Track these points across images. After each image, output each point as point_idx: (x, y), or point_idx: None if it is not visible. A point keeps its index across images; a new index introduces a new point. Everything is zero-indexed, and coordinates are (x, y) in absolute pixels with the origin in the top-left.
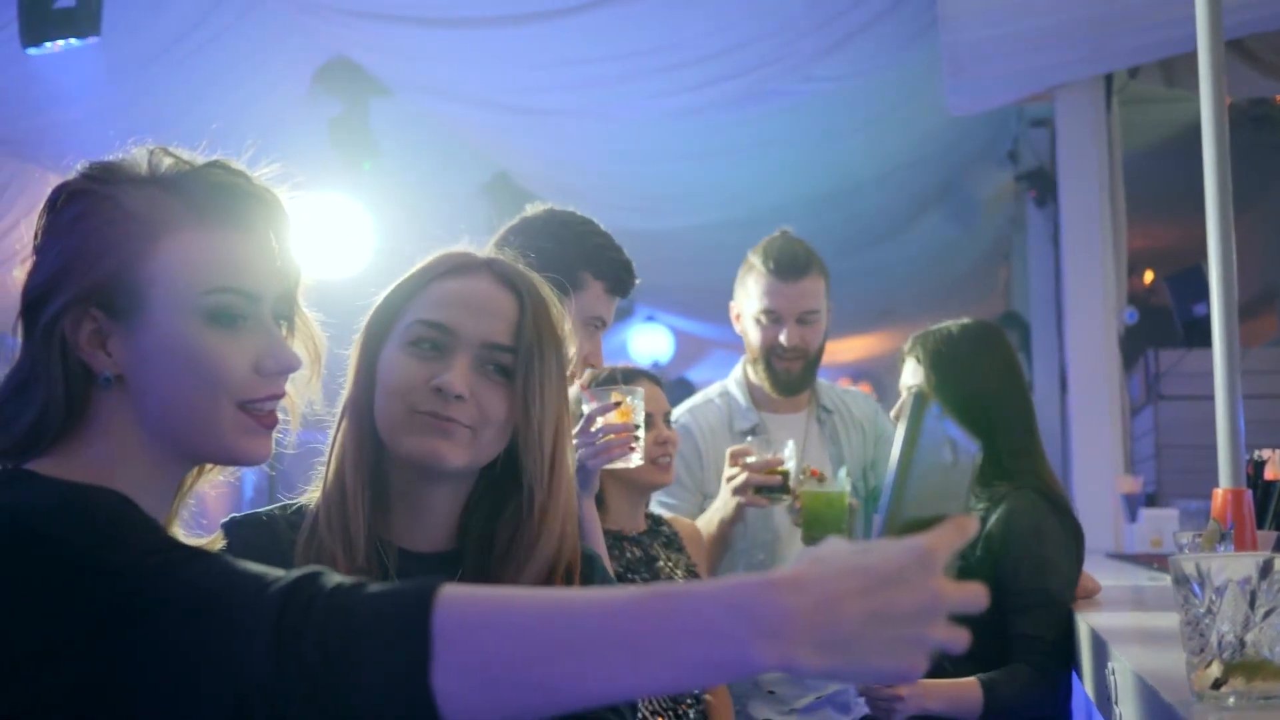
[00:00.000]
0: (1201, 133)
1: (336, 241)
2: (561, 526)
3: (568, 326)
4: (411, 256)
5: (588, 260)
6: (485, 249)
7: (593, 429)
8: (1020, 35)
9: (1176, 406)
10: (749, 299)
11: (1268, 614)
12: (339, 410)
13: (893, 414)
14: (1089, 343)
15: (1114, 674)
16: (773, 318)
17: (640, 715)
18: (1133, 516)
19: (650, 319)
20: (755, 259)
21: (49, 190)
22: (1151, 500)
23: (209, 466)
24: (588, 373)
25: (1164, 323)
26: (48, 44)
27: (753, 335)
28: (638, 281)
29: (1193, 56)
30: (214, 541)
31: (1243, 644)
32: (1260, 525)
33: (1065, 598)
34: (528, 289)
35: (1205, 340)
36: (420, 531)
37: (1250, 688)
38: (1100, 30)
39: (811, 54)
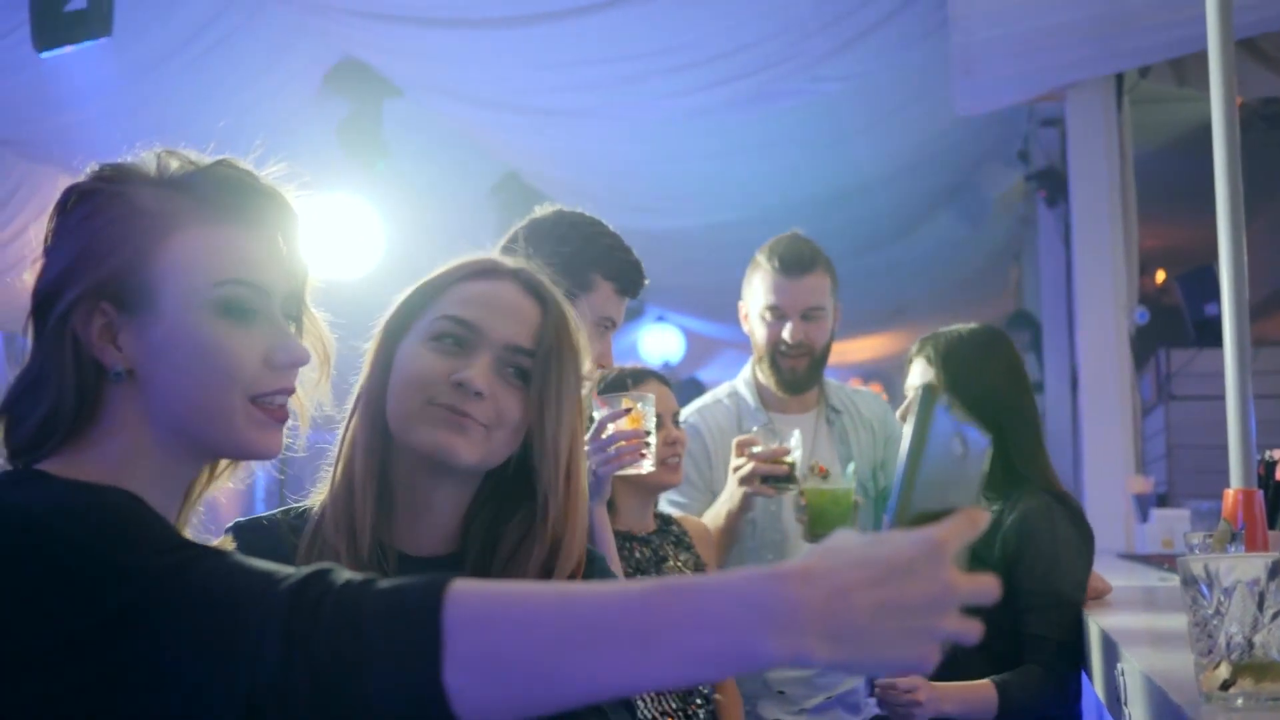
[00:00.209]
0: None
1: (346, 242)
2: (573, 536)
3: (584, 339)
4: (421, 257)
5: (598, 261)
6: (494, 251)
7: (604, 435)
8: (1030, 35)
9: (1188, 406)
10: (755, 296)
11: (1276, 615)
12: (349, 406)
13: (899, 413)
14: (1100, 342)
15: (1123, 675)
16: (777, 314)
17: (649, 716)
18: (1144, 517)
19: (661, 319)
20: (761, 257)
21: (59, 192)
22: (1163, 500)
23: (219, 471)
24: (597, 372)
25: (1175, 322)
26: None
27: (758, 333)
28: (646, 282)
29: (1203, 56)
30: (224, 543)
31: (1251, 645)
32: (1271, 526)
33: (1076, 599)
34: (551, 299)
35: (1217, 340)
36: (422, 533)
37: (1259, 689)
38: (1110, 29)
39: (821, 54)
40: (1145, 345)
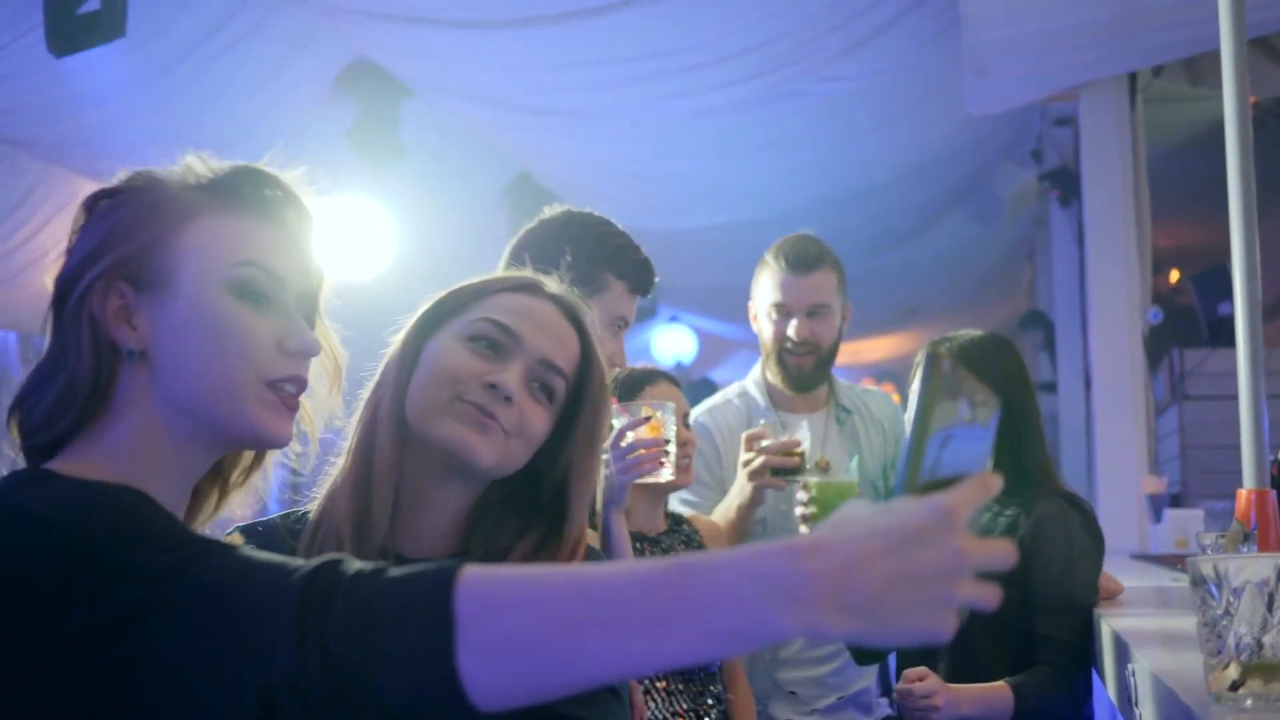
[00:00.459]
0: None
1: (359, 243)
2: (577, 556)
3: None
4: (434, 258)
5: (609, 261)
6: (504, 253)
7: (623, 444)
8: (1042, 34)
9: (1201, 406)
10: (762, 295)
11: None
12: (364, 398)
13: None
14: (1113, 342)
15: (1134, 675)
16: (783, 311)
17: (661, 717)
18: (1157, 517)
19: (673, 319)
20: (769, 256)
21: (75, 192)
22: (1176, 501)
23: (232, 486)
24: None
25: (1189, 322)
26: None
27: (765, 331)
28: (656, 279)
29: (1217, 55)
30: (234, 539)
31: (1260, 646)
32: None
33: (1088, 602)
34: (589, 331)
35: (1230, 340)
36: (422, 534)
37: (1268, 690)
38: (1123, 29)
39: (832, 54)
40: (1159, 345)
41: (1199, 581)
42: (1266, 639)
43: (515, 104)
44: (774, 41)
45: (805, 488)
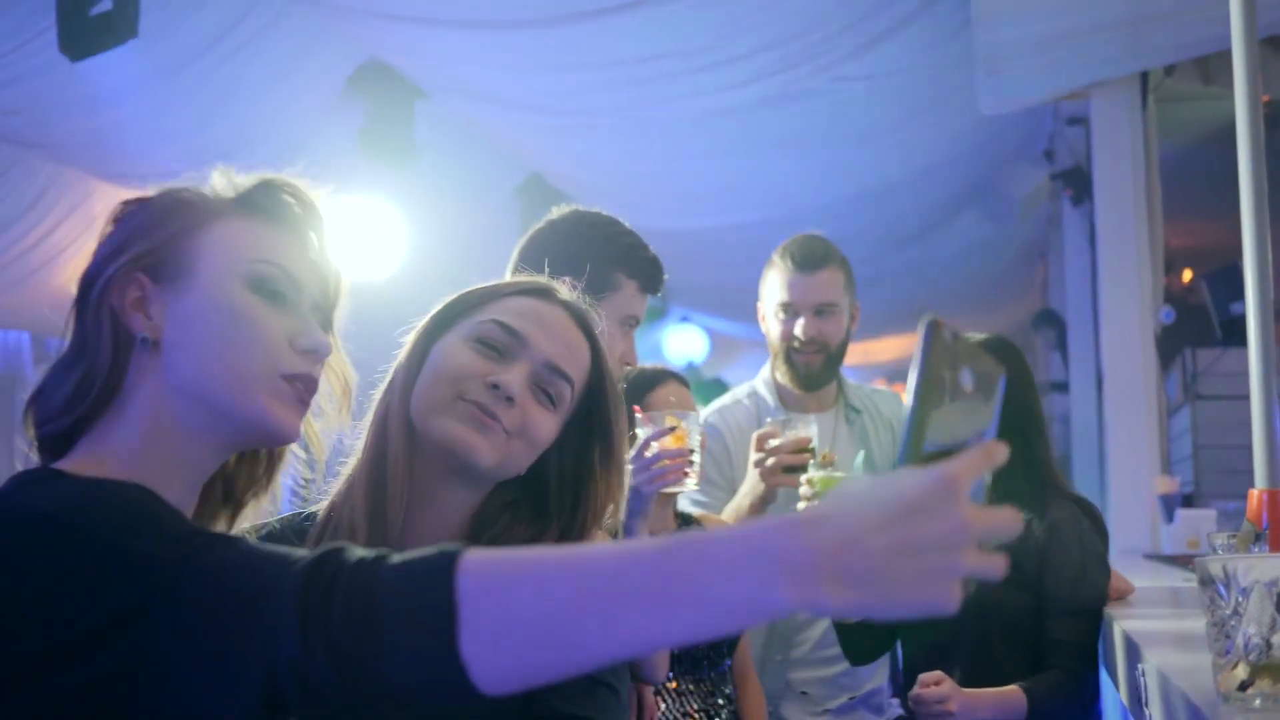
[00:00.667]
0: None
1: (370, 243)
2: None
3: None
4: (446, 259)
5: (620, 260)
6: (513, 254)
7: (648, 454)
8: (1054, 34)
9: (1214, 406)
10: (770, 294)
11: None
12: (376, 398)
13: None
14: (1125, 342)
15: (1144, 676)
16: (790, 310)
17: (673, 716)
18: (1169, 517)
19: (685, 319)
20: (775, 255)
21: (87, 194)
22: (1188, 501)
23: (244, 506)
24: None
25: (1202, 321)
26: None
27: (773, 330)
28: (665, 277)
29: (1229, 54)
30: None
31: (1269, 646)
32: None
33: (1099, 607)
34: (599, 340)
35: (1243, 339)
36: (425, 535)
37: (1276, 689)
38: (1135, 28)
39: (844, 54)
40: (1171, 345)
41: (1207, 581)
42: (1275, 639)
43: (527, 104)
44: (785, 41)
45: (809, 482)
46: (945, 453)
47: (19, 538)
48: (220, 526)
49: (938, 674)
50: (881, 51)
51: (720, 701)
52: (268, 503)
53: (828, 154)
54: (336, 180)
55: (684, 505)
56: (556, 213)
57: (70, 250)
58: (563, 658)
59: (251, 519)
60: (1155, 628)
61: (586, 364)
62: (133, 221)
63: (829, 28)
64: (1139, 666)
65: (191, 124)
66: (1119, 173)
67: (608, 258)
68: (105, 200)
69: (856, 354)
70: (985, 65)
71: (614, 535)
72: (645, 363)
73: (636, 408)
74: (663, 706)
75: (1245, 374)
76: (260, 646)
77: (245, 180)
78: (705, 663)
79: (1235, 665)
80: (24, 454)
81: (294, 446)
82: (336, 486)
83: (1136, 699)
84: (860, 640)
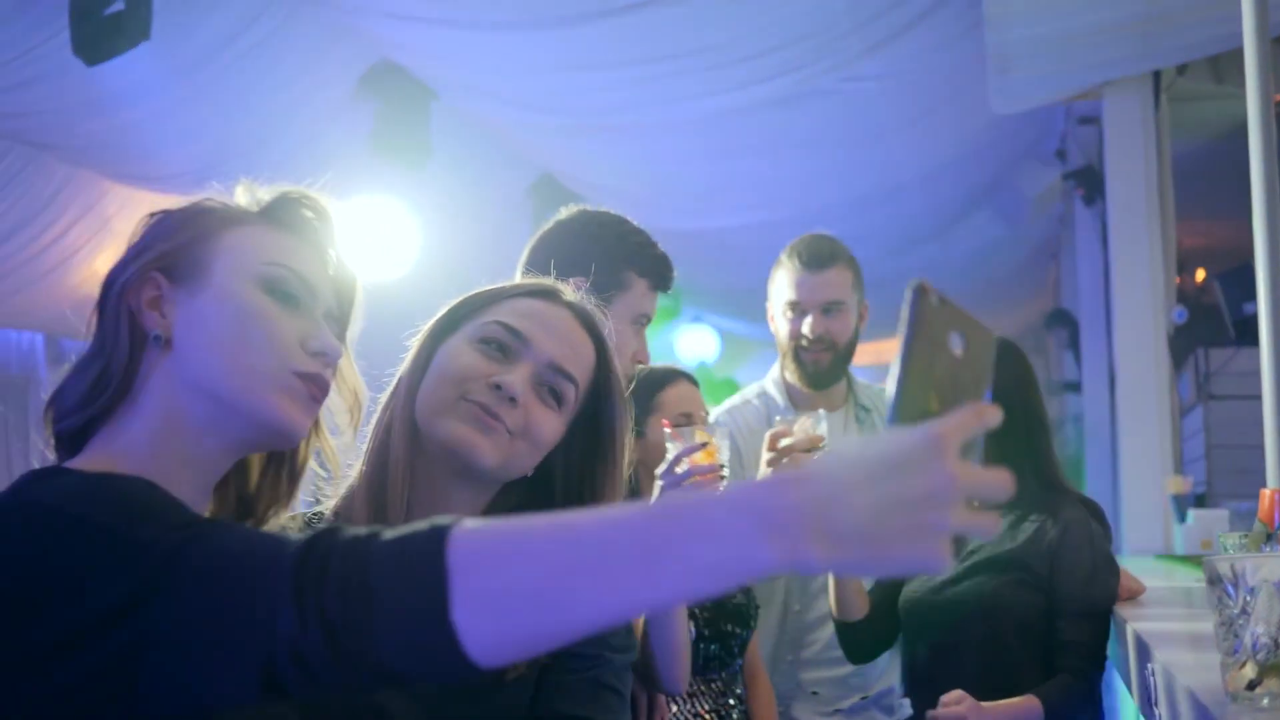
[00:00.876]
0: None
1: (381, 244)
2: None
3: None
4: (457, 259)
5: (631, 259)
6: (523, 255)
7: (679, 470)
8: (1066, 33)
9: (1227, 406)
10: (778, 293)
11: None
12: (384, 399)
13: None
14: (1137, 342)
15: (1154, 675)
16: (798, 309)
17: (684, 717)
18: (1182, 517)
19: (697, 320)
20: (783, 255)
21: (101, 195)
22: (1201, 501)
23: (267, 520)
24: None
25: (1215, 321)
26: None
27: (781, 329)
28: (675, 275)
29: (1241, 53)
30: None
31: (1277, 645)
32: None
33: (1109, 609)
34: (604, 341)
35: (1257, 339)
36: None
37: None
38: (1147, 27)
39: (855, 53)
40: (1184, 344)
41: (1215, 581)
42: None
43: (538, 105)
44: (797, 41)
45: None
46: (935, 418)
47: (24, 531)
48: None
49: (958, 693)
50: (893, 51)
51: (731, 702)
52: (286, 518)
53: (839, 154)
54: (348, 181)
55: None
56: (565, 213)
57: (84, 252)
58: (553, 624)
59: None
60: (1167, 628)
61: (591, 364)
62: (157, 228)
63: (840, 27)
64: (1149, 666)
65: (204, 125)
66: (1131, 172)
67: (618, 256)
68: (118, 202)
69: (868, 354)
70: (997, 64)
71: None
72: (656, 363)
73: (666, 422)
74: (674, 708)
75: (1258, 374)
76: (258, 627)
77: (266, 193)
78: (716, 663)
79: (1243, 665)
80: (40, 452)
81: (313, 463)
82: (342, 489)
83: (1147, 699)
84: (861, 638)
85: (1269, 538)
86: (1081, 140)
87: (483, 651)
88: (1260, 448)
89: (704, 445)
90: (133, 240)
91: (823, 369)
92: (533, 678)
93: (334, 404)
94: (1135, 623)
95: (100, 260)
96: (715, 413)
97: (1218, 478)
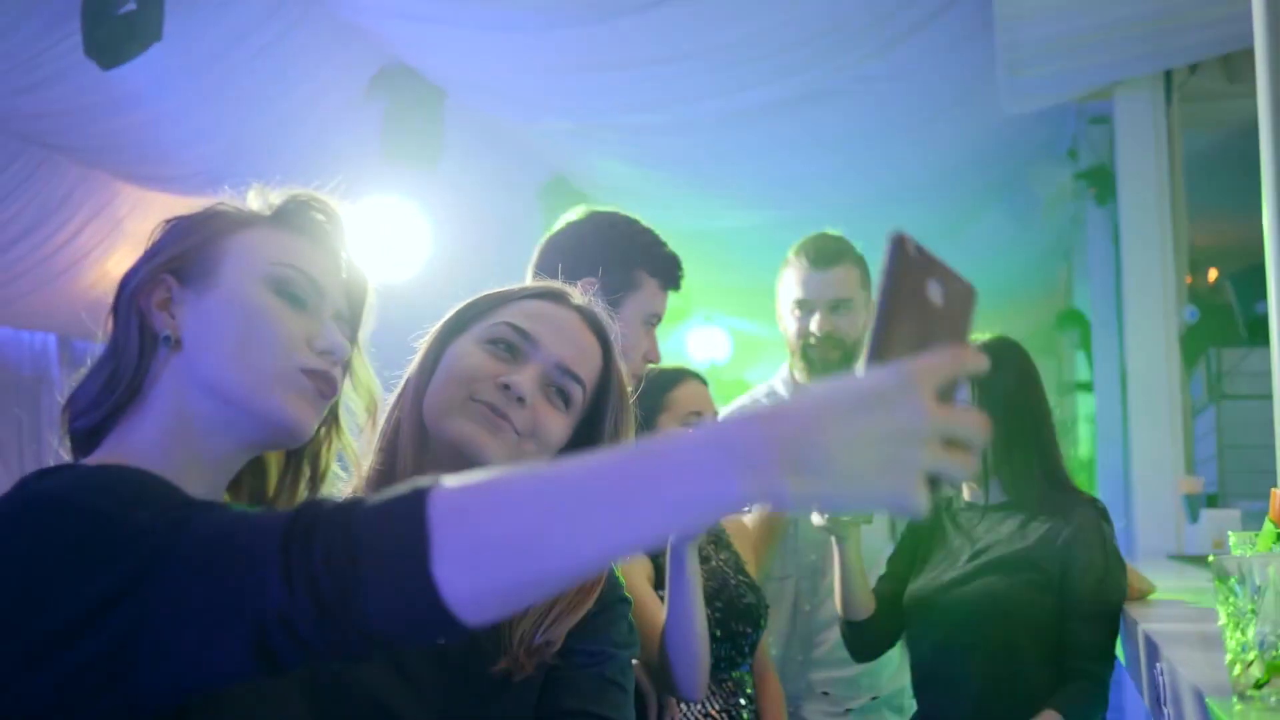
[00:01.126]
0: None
1: (392, 245)
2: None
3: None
4: (469, 260)
5: (640, 258)
6: (533, 256)
7: None
8: (1078, 33)
9: (1239, 406)
10: (786, 292)
11: None
12: (393, 399)
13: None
14: (1148, 341)
15: (1162, 674)
16: (805, 307)
17: (693, 717)
18: (1194, 517)
19: (707, 320)
20: (791, 254)
21: (113, 196)
22: (1213, 501)
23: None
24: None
25: (1227, 321)
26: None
27: (789, 328)
28: (683, 274)
29: (1253, 51)
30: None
31: None
32: None
33: (1119, 609)
34: (611, 344)
35: (1268, 339)
36: None
37: None
38: (1158, 26)
39: (867, 53)
40: (1196, 344)
41: (1223, 579)
42: None
43: (549, 105)
44: (808, 41)
45: None
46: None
47: (30, 520)
48: None
49: None
50: (904, 51)
51: (742, 702)
52: None
53: (851, 153)
54: (358, 181)
55: None
56: (574, 213)
57: (96, 252)
58: (534, 572)
59: None
60: (1177, 629)
61: (598, 367)
62: (171, 232)
63: (852, 27)
64: (1157, 665)
65: (216, 125)
66: (1143, 171)
67: (628, 256)
68: (130, 203)
69: None
70: (1008, 64)
71: None
72: (666, 363)
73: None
74: (683, 708)
75: (1270, 374)
76: (249, 598)
77: (277, 196)
78: (726, 664)
79: (1250, 663)
80: (54, 452)
81: (336, 467)
82: (350, 488)
83: (1156, 698)
84: (866, 636)
85: (1279, 537)
86: (1093, 140)
87: (464, 604)
88: (1272, 448)
89: None
90: (148, 245)
91: (831, 366)
92: (539, 679)
93: (354, 404)
94: (1145, 623)
95: (112, 261)
96: (724, 412)
97: (1230, 478)
